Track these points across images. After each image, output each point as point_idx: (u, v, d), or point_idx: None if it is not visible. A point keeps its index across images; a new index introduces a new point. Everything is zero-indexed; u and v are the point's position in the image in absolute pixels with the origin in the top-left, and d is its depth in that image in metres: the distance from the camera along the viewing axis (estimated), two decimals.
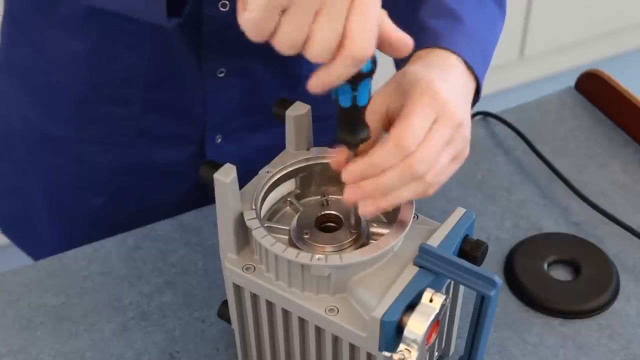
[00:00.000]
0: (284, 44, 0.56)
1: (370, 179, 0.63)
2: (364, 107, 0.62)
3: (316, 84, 0.58)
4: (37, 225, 1.05)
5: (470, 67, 0.71)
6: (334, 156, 0.66)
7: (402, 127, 0.62)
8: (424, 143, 0.63)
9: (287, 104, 0.72)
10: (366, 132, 0.63)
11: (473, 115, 1.07)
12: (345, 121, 0.63)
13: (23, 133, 0.99)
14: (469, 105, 0.71)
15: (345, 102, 0.61)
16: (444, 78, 0.67)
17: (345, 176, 0.64)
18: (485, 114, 1.07)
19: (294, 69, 0.94)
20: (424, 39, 0.72)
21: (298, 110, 0.71)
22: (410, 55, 0.68)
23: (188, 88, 0.90)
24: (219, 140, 0.95)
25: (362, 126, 0.63)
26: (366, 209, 0.64)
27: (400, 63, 0.73)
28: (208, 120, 0.93)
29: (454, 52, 0.71)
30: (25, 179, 1.03)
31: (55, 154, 0.98)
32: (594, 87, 1.07)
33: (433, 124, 0.64)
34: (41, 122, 0.96)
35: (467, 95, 0.71)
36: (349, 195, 0.64)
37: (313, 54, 0.56)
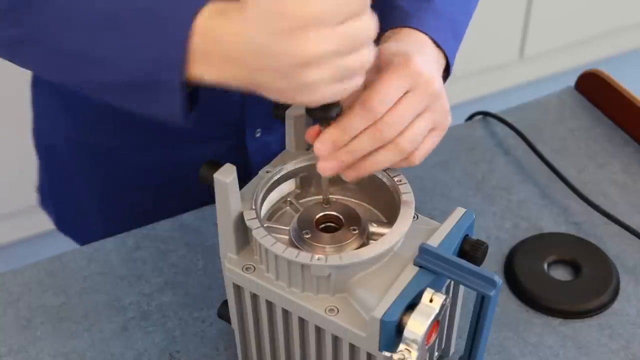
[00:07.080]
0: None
1: (343, 148, 0.64)
2: None
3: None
4: (89, 224, 1.07)
5: (438, 45, 0.72)
6: (309, 131, 0.67)
7: (371, 91, 0.64)
8: (392, 108, 0.64)
9: (287, 104, 0.72)
10: (337, 109, 0.63)
11: (473, 115, 1.07)
12: None
13: (66, 147, 1.01)
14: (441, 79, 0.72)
15: None
16: (420, 51, 0.68)
17: (317, 146, 0.64)
18: (485, 114, 1.07)
19: None
20: (394, 18, 0.73)
21: (298, 110, 0.71)
22: (380, 35, 0.69)
23: (226, 94, 0.90)
24: (259, 134, 0.96)
25: (332, 103, 0.63)
26: (349, 176, 0.67)
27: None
28: (248, 121, 0.93)
29: (421, 31, 0.71)
30: (73, 186, 1.04)
31: (99, 165, 0.99)
32: (594, 87, 1.07)
33: (406, 93, 0.64)
34: (83, 137, 0.97)
35: (439, 70, 0.72)
36: (325, 166, 0.65)
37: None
